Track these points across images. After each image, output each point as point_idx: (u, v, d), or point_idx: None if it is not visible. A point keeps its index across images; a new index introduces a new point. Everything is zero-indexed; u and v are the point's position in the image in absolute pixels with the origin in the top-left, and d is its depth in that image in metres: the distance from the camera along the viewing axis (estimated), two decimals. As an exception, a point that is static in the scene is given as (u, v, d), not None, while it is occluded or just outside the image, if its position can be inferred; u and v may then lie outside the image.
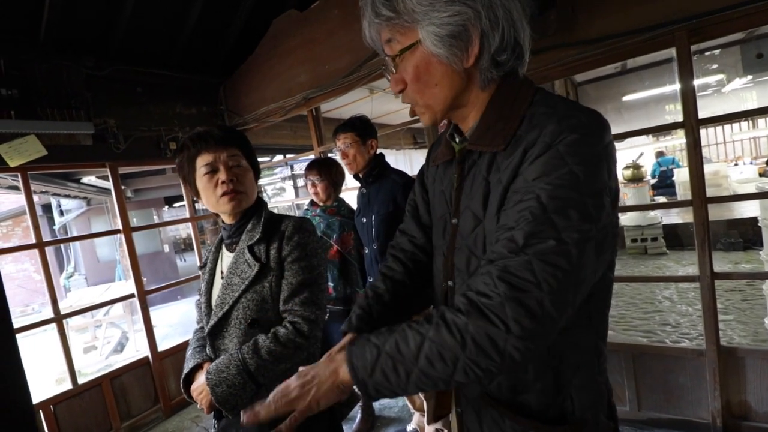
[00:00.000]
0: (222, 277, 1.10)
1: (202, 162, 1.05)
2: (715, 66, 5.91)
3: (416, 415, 2.18)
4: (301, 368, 0.66)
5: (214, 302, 1.09)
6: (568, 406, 0.67)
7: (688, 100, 1.77)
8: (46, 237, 8.93)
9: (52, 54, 2.42)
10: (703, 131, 1.57)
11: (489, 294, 0.54)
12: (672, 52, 1.81)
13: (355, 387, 0.61)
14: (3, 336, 0.57)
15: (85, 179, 6.13)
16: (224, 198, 1.05)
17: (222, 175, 1.04)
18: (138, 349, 4.92)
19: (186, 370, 1.09)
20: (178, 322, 6.04)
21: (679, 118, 1.84)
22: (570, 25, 1.93)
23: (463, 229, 0.71)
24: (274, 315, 1.04)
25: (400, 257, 0.91)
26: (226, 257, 1.14)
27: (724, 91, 6.84)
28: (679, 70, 1.77)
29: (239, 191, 1.06)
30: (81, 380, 2.54)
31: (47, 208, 9.12)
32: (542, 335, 0.53)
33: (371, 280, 1.98)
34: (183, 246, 16.06)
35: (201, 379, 1.02)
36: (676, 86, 1.81)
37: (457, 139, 0.77)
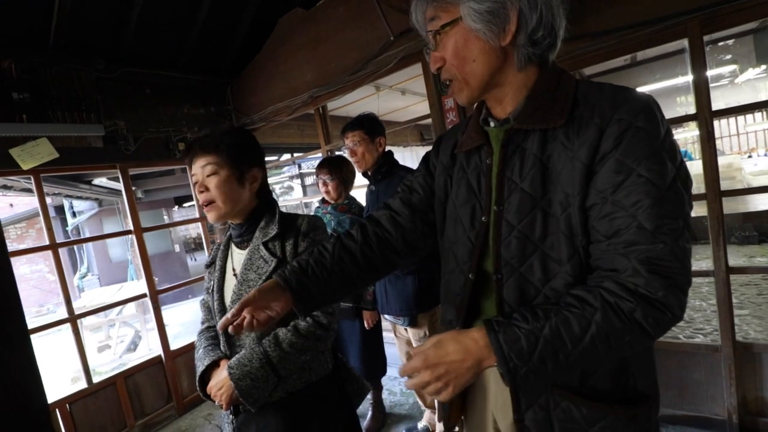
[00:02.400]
0: (235, 275, 1.11)
1: (193, 171, 1.07)
2: (728, 56, 5.79)
3: (427, 413, 2.18)
4: (423, 353, 0.63)
5: (228, 300, 1.09)
6: (631, 384, 0.69)
7: (701, 91, 1.74)
8: (59, 238, 9.09)
9: (63, 57, 2.45)
10: (715, 122, 1.55)
11: (649, 286, 0.57)
12: (683, 43, 1.77)
13: (500, 373, 0.60)
14: (18, 338, 0.58)
15: (97, 181, 6.22)
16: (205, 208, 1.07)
17: (197, 187, 1.06)
18: (151, 348, 4.99)
19: (201, 367, 1.11)
20: (189, 320, 6.11)
21: (692, 109, 1.81)
22: (579, 17, 1.91)
23: (512, 216, 0.69)
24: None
25: (369, 230, 0.90)
26: (237, 255, 1.14)
27: (738, 81, 6.69)
28: (692, 61, 1.73)
29: (211, 201, 1.04)
30: (96, 379, 2.58)
31: (60, 209, 9.26)
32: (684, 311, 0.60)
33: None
34: (193, 245, 16.22)
35: (221, 375, 1.04)
36: (688, 78, 1.78)
37: (491, 123, 0.77)
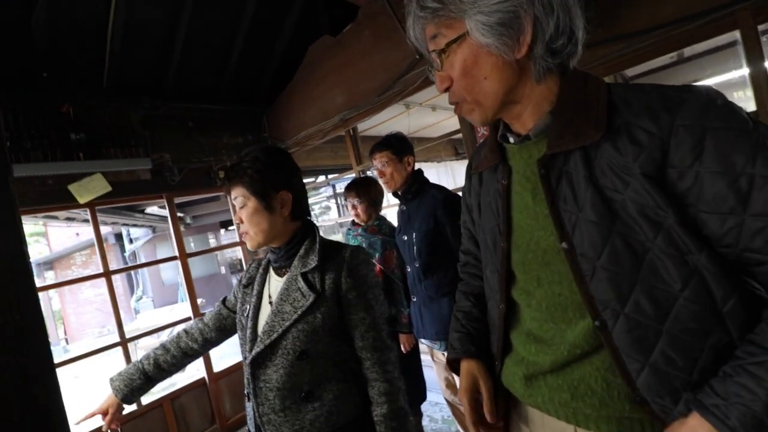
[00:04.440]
0: (270, 302, 1.08)
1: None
2: None
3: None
4: None
5: (260, 329, 1.05)
6: None
7: (761, 86, 1.58)
8: (119, 263, 9.76)
9: (114, 98, 2.67)
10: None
11: None
12: (734, 35, 1.62)
13: None
14: (43, 364, 0.59)
15: (149, 209, 6.66)
16: None
17: (235, 219, 1.09)
18: (198, 368, 5.16)
19: (115, 385, 1.19)
20: (233, 340, 6.25)
21: (751, 105, 1.64)
22: (612, 18, 1.81)
23: (587, 251, 0.58)
24: (324, 346, 1.01)
25: (473, 272, 0.91)
26: (275, 281, 1.11)
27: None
28: (747, 53, 1.58)
29: (245, 232, 1.05)
30: (145, 398, 2.68)
31: (119, 236, 9.99)
32: None
33: (415, 299, 1.92)
34: (239, 266, 16.85)
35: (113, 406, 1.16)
36: (742, 72, 1.62)
37: (511, 140, 0.69)
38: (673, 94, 0.55)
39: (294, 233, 1.08)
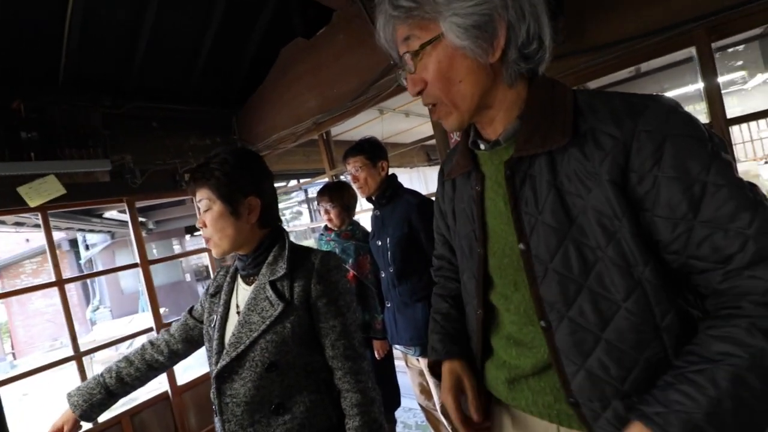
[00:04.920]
0: (238, 312, 1.02)
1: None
2: (739, 62, 5.74)
3: (444, 448, 2.05)
4: None
5: (227, 339, 1.00)
6: None
7: (714, 99, 1.68)
8: (73, 271, 9.19)
9: (71, 95, 2.51)
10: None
11: None
12: (691, 51, 1.73)
13: None
14: None
15: (108, 214, 6.32)
16: None
17: (198, 222, 1.02)
18: (160, 381, 4.91)
19: (73, 401, 1.10)
20: (199, 352, 6.01)
21: (702, 118, 1.74)
22: (580, 31, 1.88)
23: (542, 253, 0.60)
24: (294, 357, 0.96)
25: (448, 275, 0.92)
26: (242, 290, 1.06)
27: (746, 87, 6.61)
28: (702, 69, 1.68)
29: (209, 238, 1.01)
30: (102, 416, 2.51)
31: (74, 242, 9.42)
32: None
33: (389, 305, 1.90)
34: (205, 274, 16.25)
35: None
36: (697, 86, 1.73)
37: (481, 146, 0.70)
38: (637, 101, 0.57)
39: (262, 240, 1.03)
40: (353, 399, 0.97)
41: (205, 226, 1.00)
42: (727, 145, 0.56)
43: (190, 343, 1.19)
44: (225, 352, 0.98)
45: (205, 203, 0.99)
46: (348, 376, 0.98)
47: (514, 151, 0.62)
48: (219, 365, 0.97)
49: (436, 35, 0.59)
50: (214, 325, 1.05)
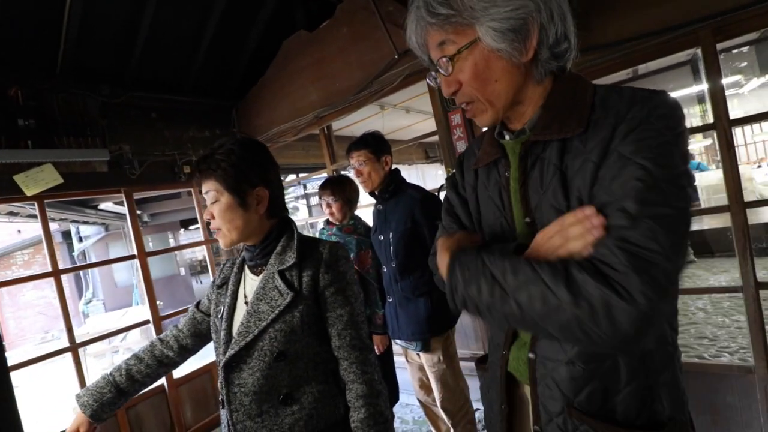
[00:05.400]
0: (246, 302, 1.02)
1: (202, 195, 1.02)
2: (743, 64, 5.80)
3: (442, 443, 2.06)
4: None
5: (235, 329, 0.99)
6: (659, 408, 0.64)
7: (718, 100, 1.69)
8: (66, 264, 9.10)
9: (69, 83, 2.47)
10: (715, 134, 1.53)
11: (613, 265, 0.52)
12: (690, 53, 1.74)
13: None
14: None
15: (103, 205, 6.25)
16: None
17: (205, 214, 1.01)
18: (155, 375, 4.89)
19: (81, 401, 1.07)
20: (194, 345, 5.98)
21: (697, 121, 1.75)
22: (585, 29, 1.88)
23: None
24: (303, 347, 0.96)
25: None
26: (250, 280, 1.05)
27: (743, 91, 6.67)
28: (706, 69, 1.69)
29: (217, 228, 1.00)
30: (97, 410, 2.49)
31: (67, 234, 9.32)
32: (661, 309, 0.51)
33: (390, 299, 1.90)
34: (199, 268, 16.19)
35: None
36: (693, 89, 1.74)
37: (506, 136, 0.75)
38: (642, 94, 0.61)
39: (270, 230, 1.03)
40: (359, 390, 0.96)
41: (213, 218, 0.99)
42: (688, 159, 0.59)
43: (199, 337, 1.17)
44: (234, 341, 0.97)
45: (212, 195, 0.97)
46: (354, 366, 0.97)
47: (531, 135, 0.68)
48: (227, 354, 0.97)
49: (473, 39, 0.64)
50: (222, 316, 1.05)
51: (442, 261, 0.71)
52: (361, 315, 1.01)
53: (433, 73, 0.71)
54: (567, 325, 0.53)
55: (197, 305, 1.20)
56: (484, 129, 0.82)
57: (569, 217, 0.58)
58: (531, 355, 0.71)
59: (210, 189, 0.97)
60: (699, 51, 1.71)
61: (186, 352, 1.17)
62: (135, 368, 1.12)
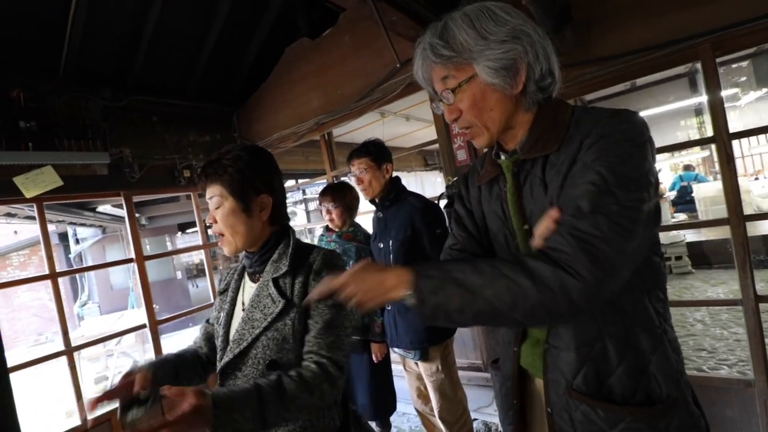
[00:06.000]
0: (243, 309, 1.02)
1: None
2: (741, 79, 5.85)
3: (439, 453, 2.04)
4: (353, 272, 0.73)
5: (232, 335, 0.99)
6: (654, 387, 0.71)
7: (718, 113, 1.70)
8: (62, 266, 9.04)
9: (71, 86, 2.47)
10: (714, 146, 1.54)
11: (562, 249, 0.62)
12: (687, 67, 1.76)
13: (412, 301, 0.67)
14: None
15: (101, 208, 6.23)
16: None
17: (208, 218, 1.00)
18: (149, 380, 4.83)
19: (136, 366, 0.90)
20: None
21: (694, 132, 1.77)
22: (586, 41, 1.90)
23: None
24: (295, 356, 0.95)
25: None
26: (249, 287, 1.06)
27: (740, 104, 6.73)
28: (706, 84, 1.71)
29: (219, 233, 0.99)
30: (91, 414, 2.45)
31: (63, 236, 9.27)
32: (607, 285, 0.61)
33: (389, 308, 1.89)
34: (195, 272, 16.10)
35: (192, 399, 0.76)
36: (690, 101, 1.76)
37: (502, 156, 0.86)
38: (609, 112, 0.72)
39: (269, 238, 1.03)
40: (311, 367, 0.89)
41: (215, 222, 0.99)
42: (652, 171, 0.68)
43: (214, 350, 1.11)
44: (229, 348, 0.97)
45: (216, 200, 0.98)
46: (320, 356, 0.91)
47: (521, 155, 0.80)
48: (223, 361, 0.97)
49: (471, 75, 0.75)
50: (220, 322, 1.05)
51: (393, 281, 0.69)
52: (342, 328, 0.95)
53: (437, 103, 0.82)
54: (532, 310, 0.62)
55: (207, 321, 1.19)
56: (484, 150, 0.90)
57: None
58: (546, 346, 0.78)
59: (215, 194, 0.98)
60: (698, 65, 1.72)
61: (210, 364, 1.12)
62: (184, 356, 1.09)
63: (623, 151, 0.66)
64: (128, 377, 0.85)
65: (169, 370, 1.01)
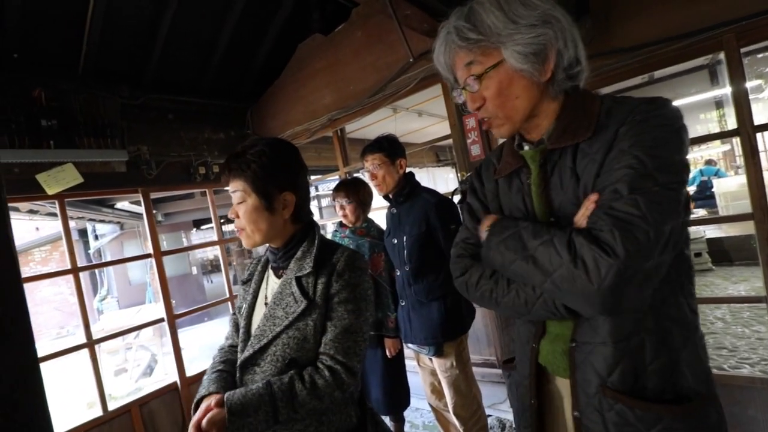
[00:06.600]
0: (265, 304, 1.03)
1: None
2: (765, 69, 5.67)
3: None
4: None
5: (254, 329, 1.00)
6: (684, 383, 0.70)
7: (742, 105, 1.65)
8: (82, 261, 9.27)
9: (90, 85, 2.52)
10: (735, 140, 1.48)
11: (598, 227, 0.63)
12: (703, 59, 1.71)
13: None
14: (28, 367, 0.51)
15: (119, 204, 6.36)
16: None
17: (230, 213, 1.00)
18: (167, 372, 4.94)
19: (199, 395, 0.96)
20: (206, 344, 6.06)
21: (715, 126, 1.72)
22: (604, 32, 1.86)
23: (568, 224, 0.72)
24: (315, 356, 0.95)
25: None
26: (272, 281, 1.06)
27: (763, 96, 6.52)
28: (730, 74, 1.65)
29: (241, 228, 0.99)
30: (111, 404, 2.52)
31: (83, 232, 9.50)
32: (641, 264, 0.60)
33: (403, 303, 1.90)
34: (210, 267, 16.38)
35: (217, 414, 0.86)
36: (710, 93, 1.71)
37: (525, 147, 0.83)
38: (645, 100, 0.71)
39: (293, 235, 1.02)
40: (324, 373, 0.90)
41: (237, 217, 0.99)
42: (685, 157, 0.68)
43: None
44: (250, 343, 0.98)
45: (239, 195, 0.97)
46: (339, 355, 0.92)
47: (548, 144, 0.77)
48: (243, 356, 0.98)
49: (499, 60, 0.73)
50: (242, 313, 1.06)
51: (484, 226, 0.80)
52: (361, 334, 0.95)
53: (458, 91, 0.79)
54: (565, 279, 0.64)
55: (234, 313, 1.19)
56: (501, 140, 0.88)
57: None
58: (572, 344, 0.76)
59: (238, 189, 0.97)
60: (721, 55, 1.67)
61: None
62: (233, 361, 1.08)
63: (660, 136, 0.65)
64: (204, 409, 0.89)
65: (231, 382, 1.01)
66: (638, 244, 0.59)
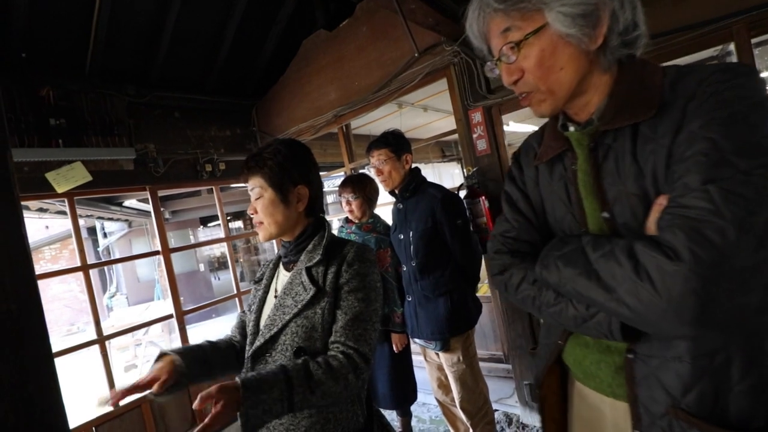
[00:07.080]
0: (275, 296, 1.06)
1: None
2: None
3: (460, 443, 2.05)
4: None
5: (263, 322, 1.03)
6: None
7: (753, 97, 1.62)
8: (92, 259, 9.38)
9: (97, 84, 2.54)
10: None
11: (661, 227, 0.54)
12: (713, 50, 1.68)
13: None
14: (42, 361, 0.52)
15: (127, 202, 6.42)
16: None
17: (249, 208, 1.06)
18: (175, 368, 5.00)
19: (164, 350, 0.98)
20: (213, 335, 6.10)
21: None
22: (613, 25, 1.84)
23: (626, 220, 0.63)
24: (322, 345, 0.96)
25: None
26: (282, 276, 1.09)
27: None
28: (741, 65, 1.62)
29: (259, 222, 1.05)
30: (121, 402, 2.56)
31: (92, 230, 9.61)
32: (719, 269, 0.49)
33: (410, 299, 1.90)
34: (217, 265, 16.49)
35: (228, 388, 0.83)
36: None
37: (571, 128, 0.72)
38: (716, 67, 0.59)
39: (305, 228, 1.07)
40: (339, 357, 0.90)
41: (255, 212, 1.05)
42: None
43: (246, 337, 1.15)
44: (260, 333, 1.00)
45: (257, 191, 1.03)
46: (350, 342, 0.92)
47: (600, 125, 0.66)
48: (254, 346, 1.00)
49: (542, 24, 0.62)
50: (252, 308, 1.10)
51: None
52: (371, 323, 0.96)
53: (491, 63, 0.69)
54: (630, 293, 0.53)
55: (242, 310, 1.23)
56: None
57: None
58: (629, 356, 0.65)
59: (256, 185, 1.03)
60: (731, 46, 1.64)
61: (243, 352, 1.14)
62: (217, 344, 1.12)
63: (737, 111, 0.53)
64: (156, 371, 0.94)
65: (198, 356, 1.04)
66: (711, 244, 0.48)
